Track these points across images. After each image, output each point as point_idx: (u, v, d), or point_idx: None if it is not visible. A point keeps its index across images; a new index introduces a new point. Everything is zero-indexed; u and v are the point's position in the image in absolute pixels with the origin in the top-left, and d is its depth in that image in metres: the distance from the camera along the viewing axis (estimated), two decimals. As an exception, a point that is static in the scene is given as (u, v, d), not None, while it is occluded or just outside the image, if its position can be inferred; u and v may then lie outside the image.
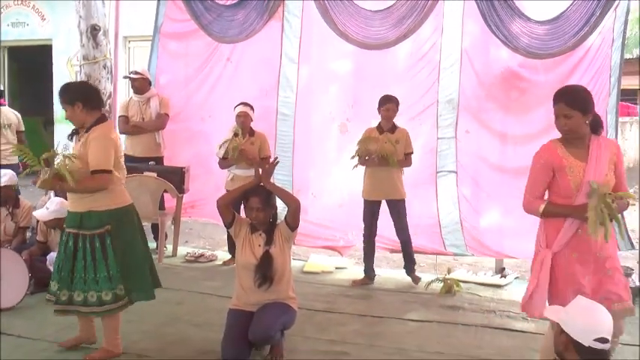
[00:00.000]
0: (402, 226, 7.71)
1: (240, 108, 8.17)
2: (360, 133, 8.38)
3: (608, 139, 4.41)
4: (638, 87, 7.02)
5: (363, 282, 7.76)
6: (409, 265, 7.82)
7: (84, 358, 5.21)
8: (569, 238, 4.41)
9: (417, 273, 7.85)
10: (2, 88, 11.10)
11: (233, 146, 7.94)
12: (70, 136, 5.47)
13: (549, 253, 4.49)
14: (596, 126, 4.51)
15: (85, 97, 5.27)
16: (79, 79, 10.25)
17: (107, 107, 9.83)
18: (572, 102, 4.41)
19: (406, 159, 7.66)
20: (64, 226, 5.41)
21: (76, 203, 5.24)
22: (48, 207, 6.97)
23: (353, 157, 7.57)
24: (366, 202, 7.76)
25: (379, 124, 7.67)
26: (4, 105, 10.21)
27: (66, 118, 5.43)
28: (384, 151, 7.37)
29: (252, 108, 8.26)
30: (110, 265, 5.19)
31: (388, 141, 7.45)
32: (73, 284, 5.18)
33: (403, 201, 7.70)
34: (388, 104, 7.56)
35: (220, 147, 8.12)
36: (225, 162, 8.16)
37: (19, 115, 9.96)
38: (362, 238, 7.92)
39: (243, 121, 8.13)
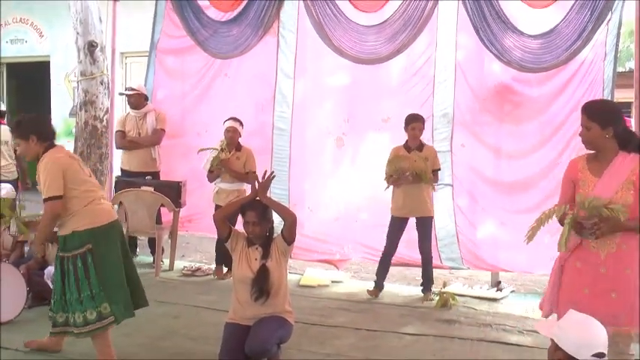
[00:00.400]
0: (426, 244, 7.69)
1: (230, 123, 8.21)
2: (356, 147, 8.50)
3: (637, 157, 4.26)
4: (631, 100, 7.03)
5: (373, 293, 7.74)
6: (427, 284, 7.74)
7: None
8: (574, 247, 4.36)
9: (412, 286, 7.82)
10: (4, 109, 11.07)
11: (215, 158, 8.09)
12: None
13: (564, 257, 4.47)
14: (625, 142, 4.36)
15: (39, 130, 5.31)
16: (77, 95, 10.24)
17: (104, 122, 9.85)
18: (592, 114, 4.38)
19: (434, 175, 7.63)
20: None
21: (61, 227, 5.25)
22: None
23: (386, 178, 7.55)
24: (394, 218, 7.70)
25: (406, 142, 7.63)
26: (4, 124, 10.16)
27: (19, 154, 5.48)
28: (418, 169, 7.35)
29: (241, 123, 8.30)
30: (92, 284, 5.16)
31: (418, 158, 7.44)
32: (68, 306, 5.19)
33: (431, 218, 7.71)
34: (414, 123, 7.53)
35: (204, 150, 8.28)
36: (211, 175, 8.26)
37: None
38: (381, 251, 7.86)
39: (232, 135, 8.18)
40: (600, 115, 4.36)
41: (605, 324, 3.92)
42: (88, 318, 5.10)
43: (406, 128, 7.59)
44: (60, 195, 5.10)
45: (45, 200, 5.10)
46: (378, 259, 8.44)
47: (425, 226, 7.66)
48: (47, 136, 5.33)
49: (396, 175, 7.43)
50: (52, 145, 5.33)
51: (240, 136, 8.29)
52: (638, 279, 4.21)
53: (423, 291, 7.74)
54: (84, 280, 5.13)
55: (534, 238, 4.56)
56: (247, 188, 8.09)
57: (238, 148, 8.26)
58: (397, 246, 7.72)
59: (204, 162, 8.26)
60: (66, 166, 5.20)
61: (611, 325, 4.07)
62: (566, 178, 4.60)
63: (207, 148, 8.26)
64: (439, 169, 7.70)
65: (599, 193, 4.29)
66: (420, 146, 7.59)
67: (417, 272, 8.31)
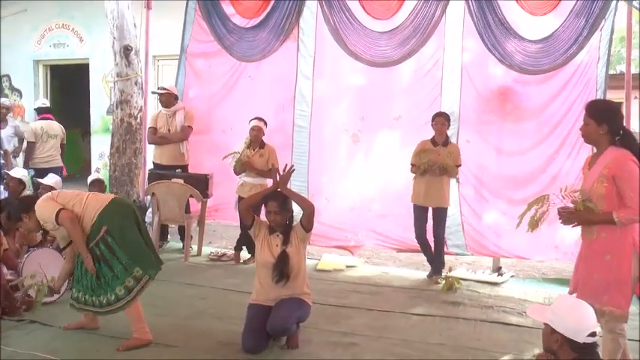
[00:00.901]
0: (440, 231, 7.71)
1: (255, 122, 8.18)
2: (370, 143, 8.56)
3: (619, 153, 4.27)
4: (622, 100, 7.06)
5: (431, 274, 7.75)
6: (438, 267, 7.75)
7: (117, 348, 5.22)
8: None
9: (420, 271, 7.83)
10: (49, 105, 11.21)
11: (238, 161, 8.09)
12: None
13: None
14: (627, 141, 4.39)
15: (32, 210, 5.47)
16: (113, 95, 10.30)
17: (138, 120, 9.89)
18: (590, 111, 4.48)
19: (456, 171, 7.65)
20: None
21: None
22: None
23: (412, 168, 7.58)
24: (415, 207, 7.72)
25: (433, 137, 7.61)
26: (52, 119, 10.34)
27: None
28: (445, 163, 7.38)
29: (265, 123, 8.27)
30: (120, 257, 5.25)
31: (445, 154, 7.46)
32: (105, 287, 5.27)
33: (447, 209, 7.72)
34: (437, 118, 7.57)
35: (226, 157, 8.29)
36: (237, 170, 8.24)
37: (64, 130, 10.11)
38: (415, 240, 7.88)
39: (256, 134, 8.15)
40: (597, 113, 4.43)
41: (593, 303, 4.02)
42: (128, 285, 5.25)
43: (432, 124, 7.60)
44: (61, 207, 5.26)
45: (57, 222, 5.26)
46: (390, 245, 8.53)
47: (441, 215, 7.67)
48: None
49: (425, 167, 7.42)
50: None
51: (264, 134, 8.27)
52: (621, 264, 4.29)
53: (433, 272, 7.74)
54: (112, 258, 5.22)
55: (543, 227, 4.70)
56: (269, 182, 8.09)
57: (262, 145, 8.23)
58: (426, 230, 7.72)
59: (230, 161, 8.26)
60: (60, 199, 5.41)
61: (597, 303, 4.17)
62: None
63: (229, 154, 8.25)
64: (460, 165, 7.66)
65: (584, 185, 4.45)
66: (446, 142, 7.59)
67: (425, 258, 8.33)
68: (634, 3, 7.39)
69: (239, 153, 8.13)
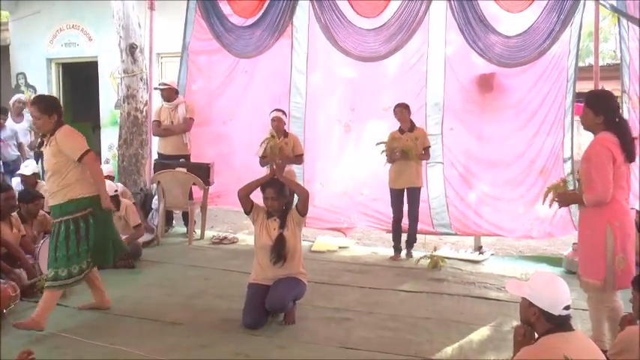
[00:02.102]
0: (414, 209, 7.75)
1: (274, 113, 8.11)
2: (360, 132, 8.66)
3: (598, 137, 4.36)
4: (597, 88, 7.22)
5: (395, 258, 7.78)
6: (410, 242, 7.85)
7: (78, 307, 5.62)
8: None
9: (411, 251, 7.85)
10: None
11: (271, 145, 7.24)
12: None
13: None
14: (619, 129, 4.42)
15: (59, 110, 5.31)
16: (120, 90, 10.26)
17: (144, 113, 9.86)
18: (589, 102, 4.52)
19: (425, 152, 7.68)
20: (52, 218, 5.36)
21: (68, 192, 5.16)
22: None
23: (382, 152, 7.64)
24: (391, 190, 7.78)
25: (399, 126, 7.66)
26: None
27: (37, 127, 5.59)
28: (405, 147, 7.42)
29: (284, 113, 8.24)
30: (90, 239, 5.21)
31: (410, 139, 7.49)
32: (70, 261, 5.15)
33: (419, 189, 7.75)
34: (396, 108, 7.64)
35: (260, 146, 7.71)
36: (263, 161, 7.85)
37: None
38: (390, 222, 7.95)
39: (277, 124, 8.05)
40: (594, 104, 4.49)
41: (581, 274, 4.37)
42: (84, 268, 5.23)
43: (394, 114, 7.66)
44: (89, 149, 5.21)
45: (82, 156, 5.10)
46: (380, 226, 8.53)
47: (413, 195, 7.71)
48: (62, 115, 5.32)
49: (389, 153, 7.51)
50: (63, 123, 5.30)
51: (285, 123, 8.22)
52: (596, 239, 4.37)
53: (406, 247, 7.82)
54: (84, 238, 5.17)
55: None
56: (294, 171, 8.14)
57: (285, 135, 8.16)
58: (402, 212, 7.76)
59: (258, 149, 7.92)
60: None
61: (584, 275, 4.45)
62: None
63: (263, 142, 7.47)
64: (429, 147, 7.72)
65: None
66: (412, 128, 7.63)
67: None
68: (601, 1, 7.39)
69: (270, 139, 7.28)
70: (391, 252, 8.03)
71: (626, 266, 4.32)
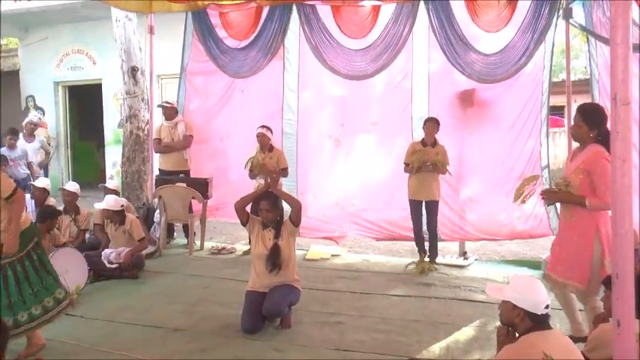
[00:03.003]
0: (433, 223, 7.60)
1: (259, 130, 8.12)
2: (350, 146, 8.63)
3: (596, 149, 4.40)
4: (564, 104, 7.24)
5: (421, 262, 7.56)
6: (433, 254, 7.66)
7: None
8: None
9: (396, 258, 7.82)
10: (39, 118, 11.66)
11: (256, 162, 7.91)
12: None
13: None
14: (605, 140, 4.37)
15: None
16: (123, 110, 10.28)
17: (145, 132, 9.87)
18: (584, 116, 4.52)
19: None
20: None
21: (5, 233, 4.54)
22: (105, 201, 7.38)
23: (407, 168, 7.49)
24: (411, 201, 7.62)
25: (422, 139, 7.53)
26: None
27: None
28: (437, 161, 7.33)
29: (269, 129, 8.21)
30: (49, 269, 4.83)
31: (433, 154, 7.38)
32: (26, 304, 4.61)
33: (437, 202, 7.60)
34: (428, 123, 7.50)
35: (247, 163, 8.05)
36: (251, 174, 8.03)
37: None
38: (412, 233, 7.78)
39: (262, 139, 8.07)
40: (591, 119, 4.50)
41: (559, 276, 4.43)
42: (47, 306, 4.73)
43: (423, 127, 7.55)
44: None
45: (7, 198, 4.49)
46: (369, 235, 8.59)
47: (432, 208, 7.56)
48: None
49: (419, 164, 7.34)
50: None
51: (270, 139, 8.20)
52: (585, 246, 4.42)
53: (430, 258, 7.63)
54: (41, 268, 4.75)
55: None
56: (281, 182, 8.06)
57: (270, 149, 8.14)
58: (422, 222, 7.64)
59: (245, 164, 8.09)
60: None
61: (562, 277, 4.49)
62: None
63: (248, 161, 8.03)
64: (448, 164, 7.54)
65: (565, 173, 4.63)
66: (434, 143, 7.49)
67: (402, 246, 8.37)
68: (571, 21, 7.51)
69: (253, 157, 8.01)
70: (383, 259, 8.05)
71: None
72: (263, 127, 8.19)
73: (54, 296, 4.80)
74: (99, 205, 7.45)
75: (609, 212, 4.40)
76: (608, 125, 4.38)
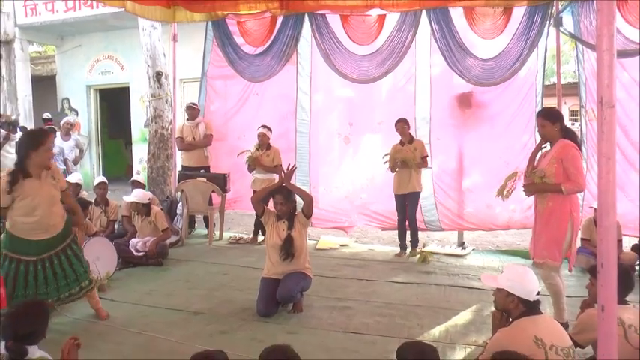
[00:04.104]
0: (413, 212, 7.70)
1: (259, 129, 8.30)
2: (358, 144, 8.69)
3: (565, 142, 4.67)
4: (555, 105, 7.25)
5: (400, 254, 7.70)
6: (414, 242, 7.75)
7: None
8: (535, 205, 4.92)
9: (399, 247, 7.82)
10: (50, 117, 11.79)
11: (249, 157, 8.27)
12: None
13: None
14: (571, 136, 4.77)
15: None
16: (149, 111, 10.32)
17: (169, 131, 9.91)
18: (545, 115, 4.81)
19: (423, 161, 7.61)
20: (22, 256, 4.67)
21: (48, 231, 4.74)
22: (133, 195, 7.49)
23: (385, 163, 7.67)
24: (396, 196, 7.75)
25: (400, 139, 7.66)
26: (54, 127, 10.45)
27: None
28: (405, 158, 7.45)
29: (269, 129, 8.35)
30: (82, 261, 5.01)
31: (409, 150, 7.52)
32: (59, 291, 4.81)
33: (418, 193, 7.71)
34: (398, 124, 7.61)
35: (238, 156, 8.48)
36: (249, 168, 8.36)
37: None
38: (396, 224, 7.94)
39: (262, 138, 8.26)
40: (551, 116, 4.78)
41: (537, 257, 4.67)
42: (73, 292, 4.92)
43: (395, 129, 7.63)
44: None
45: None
46: (376, 225, 8.61)
47: (412, 199, 7.67)
48: None
49: (391, 163, 7.53)
50: None
51: (269, 138, 8.32)
52: (559, 227, 4.65)
53: (411, 246, 7.72)
54: (76, 261, 4.93)
55: (498, 204, 5.06)
56: (276, 178, 8.07)
57: (268, 147, 8.28)
58: (406, 214, 7.71)
59: (244, 157, 8.38)
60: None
61: (539, 257, 4.72)
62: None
63: (243, 152, 8.41)
64: (427, 156, 7.64)
65: (540, 165, 4.81)
66: (411, 140, 7.61)
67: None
68: (561, 29, 7.49)
69: (250, 151, 8.29)
70: (387, 249, 8.06)
71: (575, 249, 4.87)
72: (264, 127, 8.33)
73: (80, 285, 4.98)
74: (128, 198, 7.50)
75: (579, 199, 4.78)
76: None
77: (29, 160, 4.59)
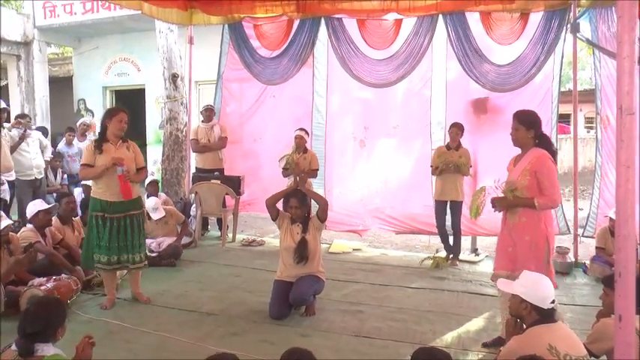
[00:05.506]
0: (456, 222, 7.50)
1: (298, 132, 8.15)
2: (373, 147, 8.63)
3: (539, 152, 4.38)
4: (570, 112, 7.16)
5: (446, 258, 7.56)
6: (456, 252, 7.59)
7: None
8: (503, 218, 4.59)
9: (412, 252, 7.78)
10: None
11: (291, 161, 7.97)
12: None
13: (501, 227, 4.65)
14: (545, 143, 4.47)
15: None
16: (164, 113, 10.35)
17: (184, 133, 9.94)
18: (520, 119, 4.49)
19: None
20: (106, 214, 5.45)
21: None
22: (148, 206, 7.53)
23: (433, 169, 7.49)
24: (436, 202, 7.57)
25: (447, 143, 7.54)
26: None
27: None
28: (459, 163, 7.29)
29: (307, 132, 8.29)
30: (142, 234, 5.72)
31: (455, 156, 7.35)
32: (120, 251, 5.50)
33: (461, 203, 7.48)
34: (452, 128, 7.46)
35: (280, 160, 8.18)
36: (285, 172, 8.05)
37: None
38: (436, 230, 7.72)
39: (299, 141, 8.08)
40: (527, 121, 4.46)
41: (508, 269, 4.35)
42: (134, 259, 5.62)
43: (448, 131, 7.55)
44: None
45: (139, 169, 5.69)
46: (390, 228, 8.61)
47: (456, 207, 7.48)
48: None
49: (442, 166, 7.33)
50: None
51: (306, 141, 8.24)
52: (537, 243, 4.38)
53: (452, 257, 7.57)
54: (138, 232, 5.62)
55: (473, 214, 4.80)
56: (311, 182, 8.04)
57: (305, 151, 8.15)
58: (445, 220, 7.55)
59: (281, 162, 8.18)
60: None
61: (511, 270, 4.35)
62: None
63: (283, 156, 8.17)
64: (471, 166, 7.52)
65: (511, 177, 4.50)
66: (458, 147, 7.44)
67: (418, 242, 8.32)
68: (578, 35, 7.41)
69: (289, 155, 8.06)
70: (401, 254, 8.06)
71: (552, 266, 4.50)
72: (302, 129, 8.23)
73: (141, 255, 5.69)
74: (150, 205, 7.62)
75: (552, 212, 4.49)
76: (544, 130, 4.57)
77: (107, 130, 5.56)
